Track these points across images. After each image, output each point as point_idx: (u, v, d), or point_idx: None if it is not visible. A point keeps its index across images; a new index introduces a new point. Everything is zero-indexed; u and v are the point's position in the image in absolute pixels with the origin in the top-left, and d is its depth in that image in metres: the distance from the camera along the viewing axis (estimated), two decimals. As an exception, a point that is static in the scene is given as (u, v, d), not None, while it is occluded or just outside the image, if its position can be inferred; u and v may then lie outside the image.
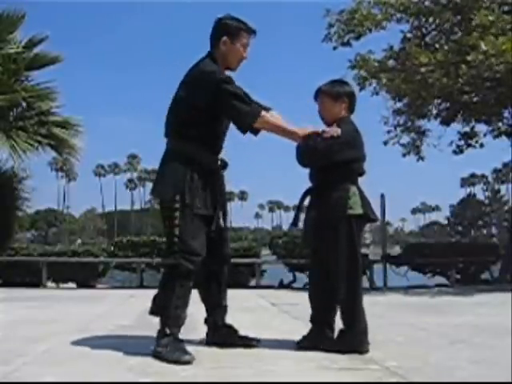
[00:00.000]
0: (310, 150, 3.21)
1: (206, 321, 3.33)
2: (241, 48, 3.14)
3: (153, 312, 3.04)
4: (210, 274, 3.28)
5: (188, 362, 2.78)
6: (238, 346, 3.16)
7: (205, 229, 3.05)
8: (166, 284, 3.02)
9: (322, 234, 3.22)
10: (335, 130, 3.21)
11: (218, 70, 3.06)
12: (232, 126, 3.19)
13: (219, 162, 3.17)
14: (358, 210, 3.20)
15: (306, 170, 3.41)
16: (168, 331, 2.92)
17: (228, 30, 3.12)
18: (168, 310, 2.94)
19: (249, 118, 3.01)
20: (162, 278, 3.11)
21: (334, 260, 3.17)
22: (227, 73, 3.16)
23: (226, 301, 3.34)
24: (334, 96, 3.35)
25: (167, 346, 2.88)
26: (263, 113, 3.04)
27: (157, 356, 2.87)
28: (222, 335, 3.25)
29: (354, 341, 3.14)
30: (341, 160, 3.21)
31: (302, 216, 3.52)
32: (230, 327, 3.29)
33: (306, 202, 3.42)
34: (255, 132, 3.12)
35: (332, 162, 3.21)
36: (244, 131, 3.07)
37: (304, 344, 3.23)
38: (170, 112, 3.16)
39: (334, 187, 3.24)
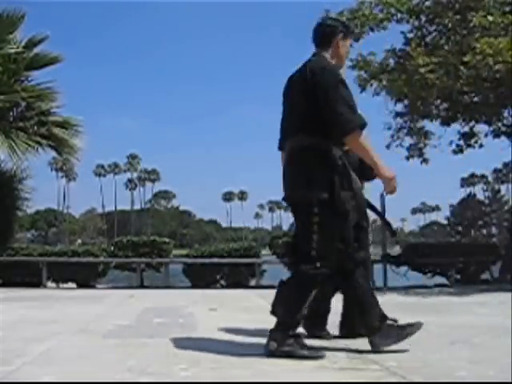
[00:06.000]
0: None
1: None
2: (349, 47, 3.31)
3: (274, 313, 3.01)
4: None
5: (321, 357, 2.90)
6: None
7: (344, 227, 3.05)
8: (300, 291, 2.96)
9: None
10: None
11: (337, 70, 3.09)
12: None
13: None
14: None
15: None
16: (291, 332, 2.94)
17: (342, 29, 3.25)
18: (294, 314, 2.95)
19: (350, 127, 2.92)
20: (294, 281, 3.01)
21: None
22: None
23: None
24: None
25: (295, 346, 2.91)
26: (359, 132, 2.92)
27: (286, 354, 2.87)
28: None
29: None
30: None
31: None
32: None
33: None
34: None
35: None
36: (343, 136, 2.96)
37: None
38: (291, 113, 3.13)
39: None
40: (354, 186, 3.11)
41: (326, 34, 3.22)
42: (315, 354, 2.93)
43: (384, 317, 3.10)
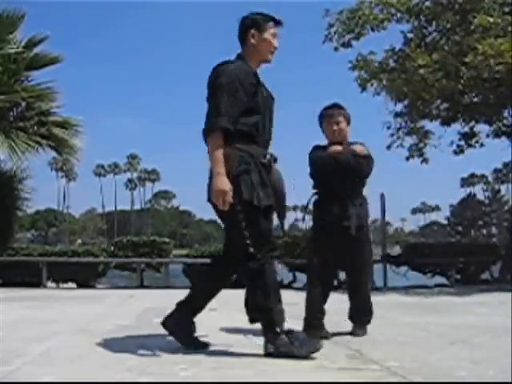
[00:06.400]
0: (363, 168, 3.74)
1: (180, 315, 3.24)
2: (270, 37, 3.15)
3: (253, 320, 3.02)
4: (227, 272, 3.25)
5: (319, 348, 2.91)
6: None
7: (269, 221, 3.05)
8: (253, 288, 2.98)
9: (356, 236, 3.68)
10: (364, 150, 3.77)
11: (232, 73, 3.00)
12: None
13: (268, 156, 3.10)
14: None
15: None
16: (278, 329, 2.92)
17: (255, 23, 3.15)
18: (270, 313, 2.93)
19: (207, 127, 2.98)
20: (249, 281, 3.01)
21: (367, 259, 3.84)
22: (263, 66, 3.20)
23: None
24: (348, 119, 3.84)
25: (290, 344, 2.89)
26: (217, 135, 2.93)
27: (284, 355, 2.86)
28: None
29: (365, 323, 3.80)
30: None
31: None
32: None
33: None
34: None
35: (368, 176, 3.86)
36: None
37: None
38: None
39: (360, 197, 3.82)
40: (275, 184, 3.09)
41: (240, 32, 3.19)
42: (312, 347, 2.92)
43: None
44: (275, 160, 3.18)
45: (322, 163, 3.75)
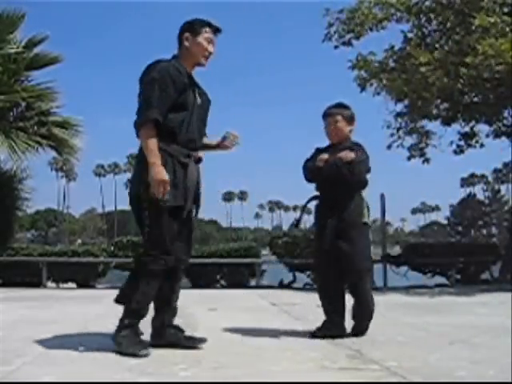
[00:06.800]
0: (346, 175, 3.61)
1: (153, 321, 3.24)
2: (204, 42, 3.23)
3: (117, 300, 3.11)
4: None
5: (144, 356, 2.90)
6: (183, 347, 3.12)
7: (175, 223, 3.08)
8: (133, 278, 3.09)
9: (344, 237, 3.63)
10: (350, 155, 3.62)
11: (163, 69, 3.10)
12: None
13: (191, 156, 3.14)
14: (365, 219, 3.78)
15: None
16: (127, 322, 3.02)
17: (190, 27, 3.25)
18: (130, 303, 3.03)
19: (139, 121, 3.08)
20: (132, 271, 3.18)
21: (357, 259, 3.68)
22: (197, 69, 3.29)
23: (177, 302, 3.27)
24: (348, 119, 3.81)
25: (126, 338, 2.98)
26: (148, 127, 3.02)
27: (117, 346, 2.98)
28: (167, 336, 3.19)
29: (364, 326, 3.72)
30: (366, 178, 3.80)
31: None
32: (176, 327, 3.25)
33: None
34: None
35: (363, 180, 3.78)
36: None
37: (319, 334, 3.57)
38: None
39: (353, 198, 3.72)
40: (188, 185, 3.10)
41: (178, 35, 3.29)
42: (144, 351, 2.94)
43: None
44: (199, 160, 3.23)
45: (311, 173, 3.79)
